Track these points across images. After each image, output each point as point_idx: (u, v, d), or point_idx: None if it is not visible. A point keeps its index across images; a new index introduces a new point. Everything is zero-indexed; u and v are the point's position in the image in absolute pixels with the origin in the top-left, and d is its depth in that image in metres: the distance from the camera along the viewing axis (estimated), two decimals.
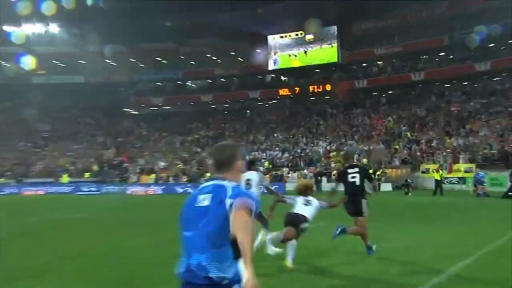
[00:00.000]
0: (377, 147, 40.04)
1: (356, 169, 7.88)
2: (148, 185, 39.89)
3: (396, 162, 38.65)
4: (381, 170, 35.57)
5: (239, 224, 2.17)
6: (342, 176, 7.94)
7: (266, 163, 43.34)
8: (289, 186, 30.26)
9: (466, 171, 34.01)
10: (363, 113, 48.95)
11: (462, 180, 33.07)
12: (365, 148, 41.74)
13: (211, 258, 2.34)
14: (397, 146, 40.71)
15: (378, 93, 51.61)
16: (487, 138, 36.34)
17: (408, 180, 30.24)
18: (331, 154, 42.28)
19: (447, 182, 31.28)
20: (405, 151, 39.58)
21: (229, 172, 2.64)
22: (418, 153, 38.31)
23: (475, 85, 46.05)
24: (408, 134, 42.14)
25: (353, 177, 7.73)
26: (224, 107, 55.17)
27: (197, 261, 2.38)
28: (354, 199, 7.72)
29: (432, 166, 33.69)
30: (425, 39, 43.50)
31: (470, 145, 36.57)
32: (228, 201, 2.41)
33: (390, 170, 37.26)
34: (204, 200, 2.54)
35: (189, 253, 2.44)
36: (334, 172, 34.18)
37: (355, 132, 45.62)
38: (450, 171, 34.91)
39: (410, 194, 28.03)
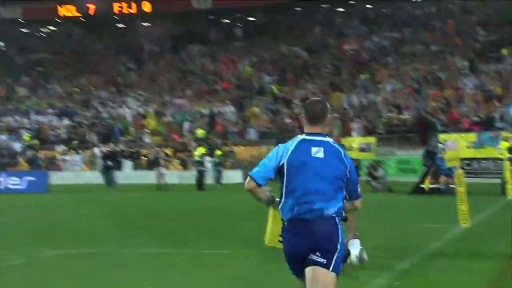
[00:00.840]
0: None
1: None
2: None
3: (252, 134, 34.66)
4: (225, 150, 31.78)
5: (358, 207, 4.51)
6: None
7: (27, 136, 38.00)
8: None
9: (361, 149, 30.04)
10: (203, 52, 46.15)
11: (355, 163, 28.94)
12: (204, 111, 37.84)
13: (328, 203, 4.30)
14: (255, 109, 36.73)
15: (231, 19, 49.56)
16: (396, 95, 32.59)
17: None
18: (146, 121, 38.47)
19: None
20: (266, 117, 36.08)
21: (323, 125, 4.45)
22: (288, 120, 34.68)
23: (383, 10, 44.63)
24: (274, 88, 38.98)
25: None
26: None
27: (319, 205, 4.27)
28: None
29: None
30: None
31: (369, 106, 32.53)
32: (348, 166, 4.35)
33: (240, 148, 33.85)
34: (318, 153, 4.33)
35: (311, 199, 4.29)
36: (148, 153, 32.75)
37: (187, 85, 41.98)
38: None
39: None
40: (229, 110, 37.28)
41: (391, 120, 30.41)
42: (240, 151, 33.11)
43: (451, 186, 19.60)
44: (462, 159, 26.47)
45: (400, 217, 15.07)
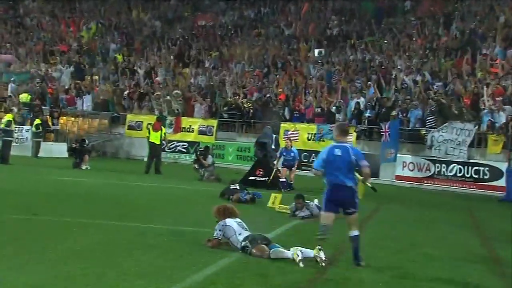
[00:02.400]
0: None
1: None
2: None
3: (87, 104, 31.13)
4: (45, 119, 27.78)
5: (367, 165, 8.28)
6: None
7: None
8: None
9: (201, 132, 28.05)
10: (43, 8, 41.22)
11: (193, 146, 28.32)
12: (35, 73, 33.51)
13: (346, 177, 8.14)
14: (94, 77, 33.40)
15: None
16: (243, 78, 30.68)
17: (88, 141, 22.21)
18: None
19: (169, 148, 28.37)
20: (104, 87, 32.58)
21: (346, 138, 8.51)
22: (126, 92, 31.33)
23: None
24: (118, 56, 35.73)
25: None
26: None
27: (341, 179, 8.12)
28: None
29: (146, 119, 28.13)
30: None
31: (214, 86, 30.36)
32: (352, 156, 8.15)
33: (69, 119, 30.06)
34: (338, 152, 8.14)
35: (337, 175, 8.13)
36: None
37: (20, 43, 37.80)
38: (177, 130, 28.24)
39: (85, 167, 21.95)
40: (64, 75, 33.43)
41: (236, 103, 28.44)
42: (69, 122, 29.57)
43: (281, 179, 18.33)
44: (302, 151, 25.57)
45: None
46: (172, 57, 34.71)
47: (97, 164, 23.48)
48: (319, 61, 29.47)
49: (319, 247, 8.15)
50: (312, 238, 9.17)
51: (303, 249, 8.18)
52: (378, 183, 22.95)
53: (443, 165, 21.91)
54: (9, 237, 8.68)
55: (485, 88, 21.96)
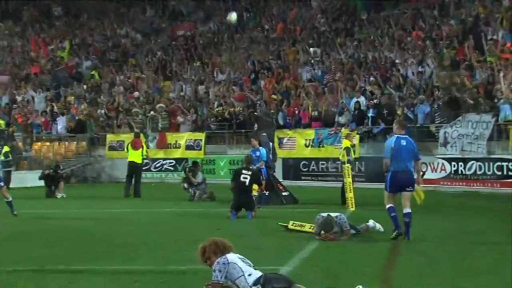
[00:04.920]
0: None
1: None
2: None
3: (61, 127, 28.56)
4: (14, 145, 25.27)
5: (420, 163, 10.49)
6: None
7: None
8: None
9: (189, 147, 25.65)
10: (13, 31, 39.37)
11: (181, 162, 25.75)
12: (4, 98, 31.25)
13: (410, 163, 9.81)
14: (70, 98, 31.12)
15: None
16: (229, 86, 28.15)
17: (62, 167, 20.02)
18: None
19: (156, 167, 26.27)
20: (81, 107, 29.78)
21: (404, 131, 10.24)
22: (102, 111, 28.48)
23: None
24: (94, 73, 33.30)
25: None
26: None
27: (405, 165, 9.67)
28: None
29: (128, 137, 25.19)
30: None
31: (199, 98, 27.94)
32: (415, 145, 10.11)
33: (45, 144, 27.90)
34: (403, 143, 9.81)
35: (403, 161, 9.70)
36: None
37: None
38: (160, 145, 25.97)
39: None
40: (36, 98, 30.73)
41: (223, 113, 25.91)
42: (44, 147, 26.85)
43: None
44: (300, 160, 23.15)
45: None
46: (152, 70, 32.16)
47: (75, 191, 20.86)
48: (311, 62, 27.00)
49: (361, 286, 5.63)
50: (344, 269, 6.67)
51: None
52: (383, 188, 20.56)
53: (460, 163, 19.35)
54: None
55: (501, 74, 19.56)
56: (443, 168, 19.76)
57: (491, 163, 18.73)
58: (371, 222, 10.46)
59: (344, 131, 22.07)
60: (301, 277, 6.37)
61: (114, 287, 6.71)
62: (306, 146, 23.18)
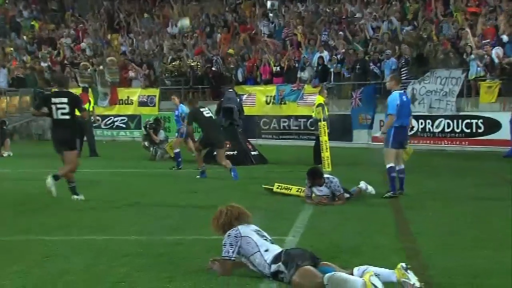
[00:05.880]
0: None
1: None
2: None
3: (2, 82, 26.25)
4: None
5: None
6: None
7: None
8: None
9: (142, 103, 24.28)
10: None
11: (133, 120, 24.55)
12: None
13: (409, 118, 9.97)
14: (8, 50, 28.51)
15: None
16: (184, 39, 26.62)
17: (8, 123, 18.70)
18: None
19: (106, 125, 25.16)
20: (19, 60, 27.55)
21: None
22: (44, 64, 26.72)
23: None
24: (35, 24, 31.33)
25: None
26: None
27: (406, 121, 9.72)
28: None
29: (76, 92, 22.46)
30: None
31: (152, 52, 26.32)
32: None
33: None
34: (404, 98, 9.76)
35: (406, 117, 9.66)
36: None
37: None
38: (113, 101, 24.59)
39: None
40: None
41: (178, 68, 24.48)
42: None
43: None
44: (260, 117, 22.17)
45: None
46: (99, 22, 30.10)
47: (20, 149, 19.15)
48: (270, 15, 25.73)
49: (404, 265, 4.70)
50: (359, 241, 5.80)
51: (378, 269, 4.74)
52: (351, 147, 19.94)
53: (428, 120, 18.73)
54: None
55: (468, 30, 18.94)
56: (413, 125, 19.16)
57: (459, 121, 18.25)
58: (362, 184, 9.64)
59: (307, 87, 21.26)
60: (316, 251, 5.40)
61: (98, 262, 5.57)
62: (267, 103, 22.18)
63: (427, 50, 19.15)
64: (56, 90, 10.15)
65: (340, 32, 22.34)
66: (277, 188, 9.77)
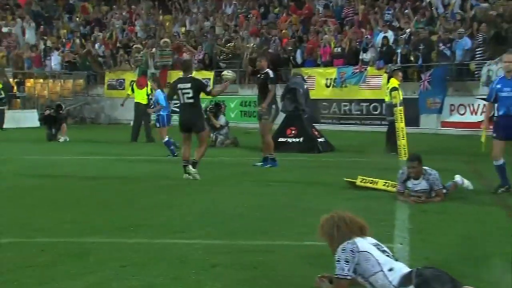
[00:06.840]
0: None
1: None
2: None
3: (55, 64, 26.03)
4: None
5: None
6: None
7: None
8: None
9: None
10: None
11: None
12: None
13: None
14: (62, 32, 28.14)
15: None
16: (237, 20, 25.71)
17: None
18: None
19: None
20: (75, 43, 26.47)
21: None
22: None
23: None
24: (89, 6, 30.83)
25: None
26: None
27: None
28: None
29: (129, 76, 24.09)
30: None
31: (205, 33, 25.50)
32: None
33: (38, 81, 25.36)
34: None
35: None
36: None
37: None
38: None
39: None
40: (26, 31, 28.04)
41: (232, 50, 23.60)
42: (37, 85, 24.48)
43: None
44: (320, 101, 21.07)
45: None
46: (149, 4, 29.49)
47: (75, 133, 18.66)
48: None
49: None
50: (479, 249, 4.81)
51: None
52: (419, 133, 18.72)
53: None
54: None
55: None
56: (484, 110, 17.79)
57: None
58: (458, 178, 8.55)
59: (370, 69, 20.10)
60: (434, 263, 4.45)
61: (184, 274, 4.73)
62: (327, 86, 21.09)
63: (506, 28, 17.69)
64: (181, 76, 10.59)
65: (407, 11, 21.00)
66: (361, 181, 8.78)
